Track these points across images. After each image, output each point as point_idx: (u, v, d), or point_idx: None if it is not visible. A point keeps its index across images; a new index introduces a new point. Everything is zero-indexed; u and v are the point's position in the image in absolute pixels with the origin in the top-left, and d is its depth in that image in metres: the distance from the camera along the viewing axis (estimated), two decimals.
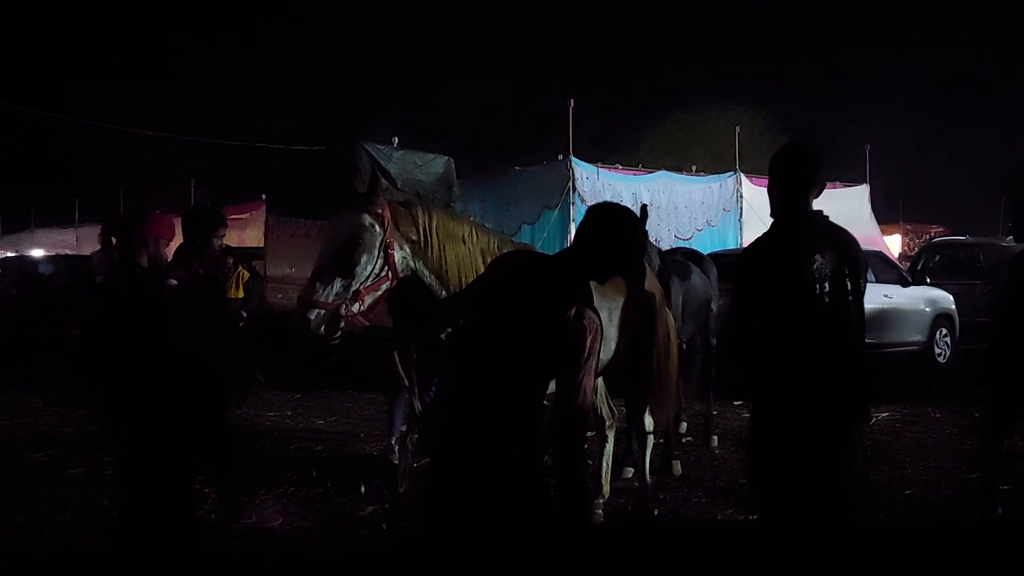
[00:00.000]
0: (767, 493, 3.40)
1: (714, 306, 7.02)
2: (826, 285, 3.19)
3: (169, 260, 4.59)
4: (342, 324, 3.85)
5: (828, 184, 18.79)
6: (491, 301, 2.80)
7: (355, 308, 3.88)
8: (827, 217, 3.36)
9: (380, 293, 3.99)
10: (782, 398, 3.26)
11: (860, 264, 3.34)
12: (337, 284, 3.85)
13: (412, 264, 4.03)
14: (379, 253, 3.92)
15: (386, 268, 3.96)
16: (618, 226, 2.77)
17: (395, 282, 3.96)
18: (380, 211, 3.95)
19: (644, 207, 6.32)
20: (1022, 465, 5.55)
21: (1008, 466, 5.25)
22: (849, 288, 3.26)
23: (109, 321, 3.52)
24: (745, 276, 3.35)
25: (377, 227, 3.92)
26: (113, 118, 27.84)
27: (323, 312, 3.81)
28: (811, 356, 3.21)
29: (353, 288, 3.87)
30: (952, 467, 6.11)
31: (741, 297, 3.37)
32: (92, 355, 3.69)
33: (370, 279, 3.92)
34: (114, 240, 3.68)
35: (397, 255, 3.95)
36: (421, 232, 4.08)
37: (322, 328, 3.82)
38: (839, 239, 3.32)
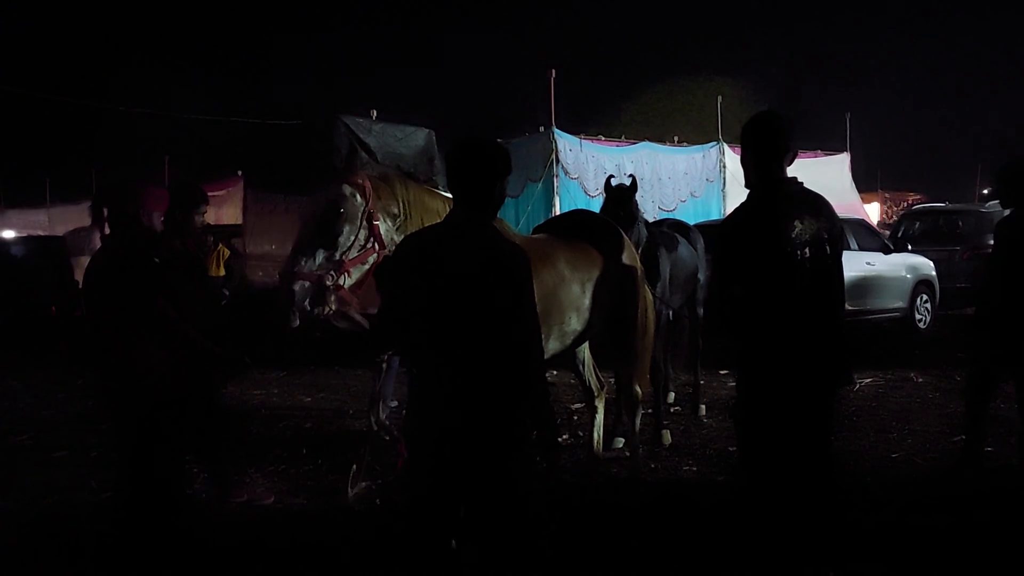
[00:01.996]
0: (754, 459, 3.42)
1: (701, 277, 7.02)
2: (806, 251, 3.23)
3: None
4: (331, 298, 3.79)
5: (809, 153, 18.86)
6: (410, 285, 2.73)
7: (342, 281, 3.82)
8: (802, 184, 3.38)
9: (367, 267, 3.93)
10: (766, 364, 3.29)
11: (837, 229, 3.38)
12: (320, 255, 3.80)
13: (395, 238, 3.98)
14: (362, 223, 3.87)
15: (371, 239, 3.93)
16: (452, 148, 2.82)
17: (382, 254, 3.91)
18: (360, 182, 3.90)
19: (633, 178, 6.27)
20: (1006, 428, 5.62)
21: (992, 429, 5.32)
22: (828, 252, 3.29)
23: (104, 294, 3.43)
24: (725, 245, 3.37)
25: (358, 197, 3.87)
26: (84, 94, 27.29)
27: (307, 284, 3.75)
28: (793, 321, 3.24)
29: (336, 259, 3.81)
30: (936, 430, 6.19)
31: (721, 266, 3.39)
32: (92, 328, 3.60)
33: (354, 249, 3.87)
34: (106, 212, 3.57)
35: (382, 227, 3.90)
36: (401, 205, 4.04)
37: (307, 301, 3.75)
38: (815, 205, 3.35)
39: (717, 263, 3.42)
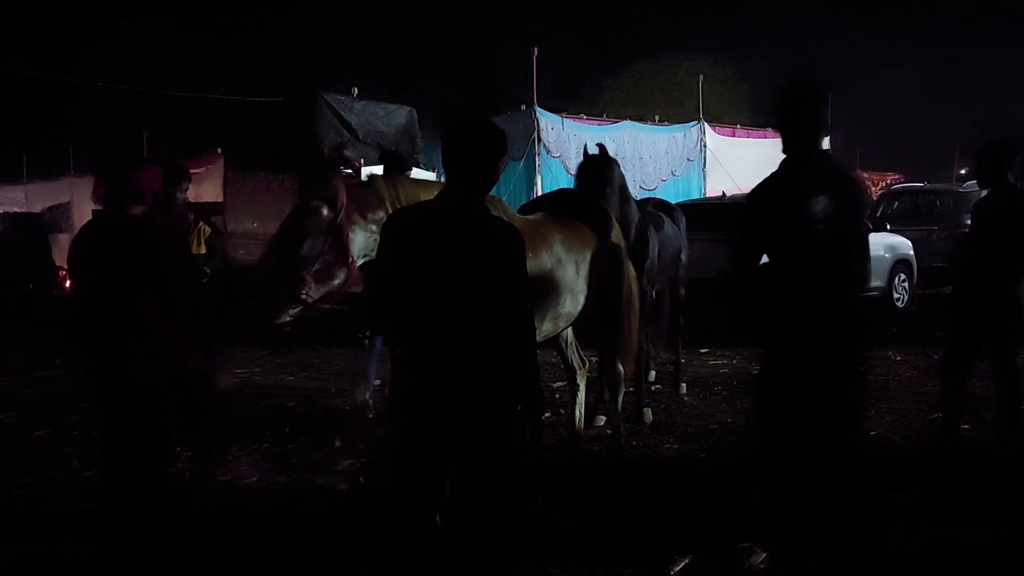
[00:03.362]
0: (770, 431, 3.44)
1: (684, 256, 7.06)
2: (829, 225, 3.22)
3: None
4: (290, 309, 3.74)
5: None
6: (400, 261, 2.73)
7: (304, 293, 3.74)
8: (834, 158, 3.38)
9: (337, 282, 3.82)
10: (786, 336, 3.31)
11: (863, 206, 3.37)
12: (284, 266, 3.72)
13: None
14: (328, 238, 3.75)
15: (338, 254, 3.79)
16: (452, 127, 2.79)
17: (352, 266, 3.82)
18: (334, 194, 3.79)
19: (602, 147, 6.04)
20: (982, 405, 5.72)
21: (968, 406, 5.42)
22: (852, 229, 3.30)
23: (95, 267, 3.38)
24: (750, 216, 3.38)
25: (325, 210, 3.76)
26: (61, 69, 26.82)
27: (267, 295, 3.70)
28: (812, 295, 3.25)
29: (298, 271, 3.72)
30: (914, 408, 6.28)
31: (745, 237, 3.39)
32: (78, 303, 3.55)
33: (316, 263, 3.76)
34: (102, 188, 3.51)
35: (359, 238, 3.81)
36: (390, 207, 3.94)
37: (266, 309, 3.72)
38: (844, 181, 3.34)
39: (742, 233, 3.42)
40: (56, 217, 19.44)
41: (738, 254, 3.41)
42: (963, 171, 28.92)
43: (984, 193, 5.19)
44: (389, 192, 3.96)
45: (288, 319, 3.75)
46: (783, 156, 3.36)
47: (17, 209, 20.51)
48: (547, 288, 4.27)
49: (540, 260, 4.23)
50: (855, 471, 3.42)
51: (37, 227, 15.90)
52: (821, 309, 3.26)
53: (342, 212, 3.77)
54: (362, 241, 3.83)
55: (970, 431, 5.44)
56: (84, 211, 17.91)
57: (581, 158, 6.01)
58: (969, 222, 5.40)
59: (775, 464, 3.41)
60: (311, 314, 3.82)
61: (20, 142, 25.87)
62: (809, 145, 3.30)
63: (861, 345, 3.39)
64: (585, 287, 4.57)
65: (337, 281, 3.80)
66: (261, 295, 3.74)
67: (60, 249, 15.73)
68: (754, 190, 3.43)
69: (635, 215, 6.02)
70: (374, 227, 3.83)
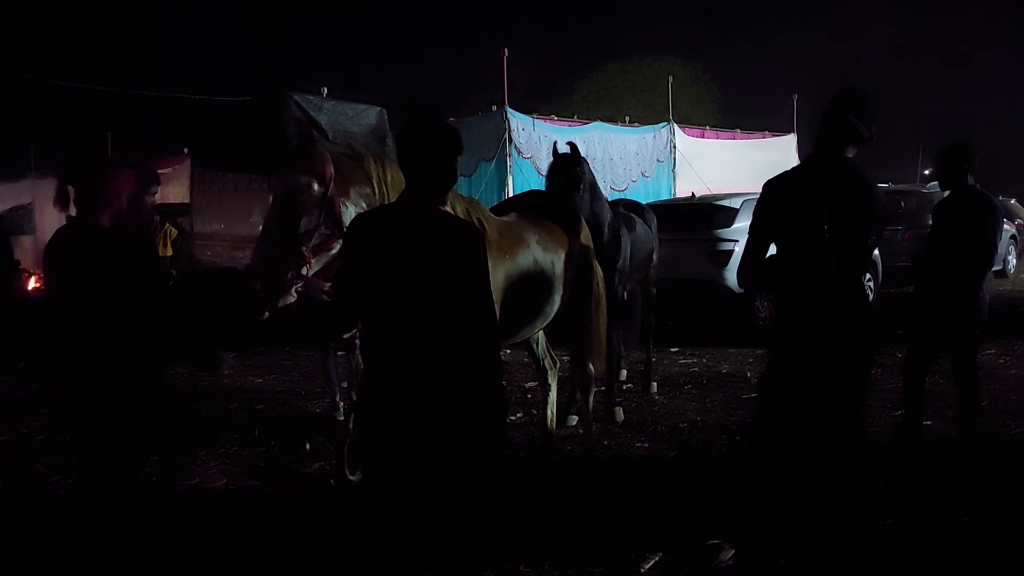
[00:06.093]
0: (771, 427, 3.48)
1: (655, 256, 7.11)
2: (836, 228, 3.26)
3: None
4: (294, 288, 3.75)
5: (757, 134, 18.83)
6: (360, 265, 2.74)
7: (304, 271, 3.76)
8: (858, 167, 3.41)
9: (334, 252, 3.85)
10: (789, 333, 3.37)
11: (877, 220, 3.40)
12: (280, 247, 3.73)
13: None
14: (321, 212, 3.78)
15: (332, 227, 3.83)
16: (408, 129, 2.79)
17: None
18: (321, 167, 3.80)
19: (573, 145, 6.03)
20: (943, 402, 5.83)
21: (930, 403, 5.52)
22: (858, 237, 3.34)
23: (76, 277, 3.27)
24: (762, 206, 3.44)
25: (316, 185, 3.77)
26: (22, 68, 26.35)
27: (271, 278, 3.70)
28: (815, 294, 3.31)
29: (297, 250, 3.74)
30: (878, 405, 6.36)
31: (759, 224, 3.45)
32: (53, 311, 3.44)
33: (314, 239, 3.79)
34: (72, 191, 3.38)
35: (351, 211, 3.80)
36: (376, 186, 3.95)
37: (271, 294, 3.71)
38: (863, 191, 3.38)
39: (757, 220, 3.47)
40: (18, 219, 19.04)
41: (748, 241, 3.47)
42: (927, 171, 29.40)
43: (946, 194, 5.29)
44: (377, 171, 3.97)
45: (293, 299, 3.74)
46: (809, 154, 3.43)
47: None
48: (527, 288, 4.28)
49: (518, 261, 4.25)
50: (859, 465, 3.48)
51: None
52: (823, 308, 3.31)
53: (331, 184, 3.79)
54: (354, 213, 3.83)
55: (932, 427, 5.55)
56: (47, 213, 17.59)
57: (552, 159, 6.03)
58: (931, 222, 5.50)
59: (768, 454, 3.46)
60: (312, 293, 3.81)
61: None
62: (835, 150, 3.35)
63: (867, 345, 3.42)
64: (561, 287, 4.61)
65: (334, 251, 3.82)
66: (262, 279, 3.71)
67: (23, 251, 15.43)
68: (772, 181, 3.46)
69: (607, 214, 6.06)
70: (364, 203, 3.88)
